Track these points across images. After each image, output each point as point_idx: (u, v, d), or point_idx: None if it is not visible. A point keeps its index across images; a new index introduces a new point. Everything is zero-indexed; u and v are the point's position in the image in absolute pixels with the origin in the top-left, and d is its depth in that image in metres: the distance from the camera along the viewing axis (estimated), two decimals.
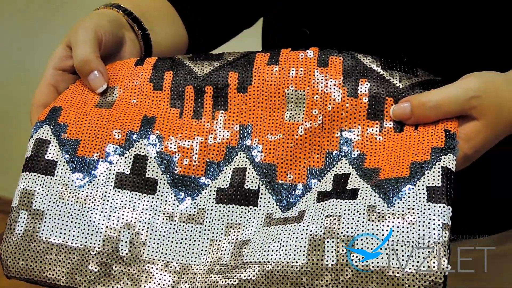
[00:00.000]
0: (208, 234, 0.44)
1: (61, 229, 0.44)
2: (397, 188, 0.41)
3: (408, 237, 0.39)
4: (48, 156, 0.46)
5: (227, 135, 0.48)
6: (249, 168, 0.46)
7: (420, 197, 0.40)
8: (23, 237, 0.44)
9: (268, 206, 0.45)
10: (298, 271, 0.40)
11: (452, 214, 0.40)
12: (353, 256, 0.39)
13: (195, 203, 0.46)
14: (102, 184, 0.46)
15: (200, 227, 0.45)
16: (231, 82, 0.49)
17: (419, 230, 0.39)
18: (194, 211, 0.45)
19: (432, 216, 0.39)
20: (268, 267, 0.41)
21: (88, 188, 0.46)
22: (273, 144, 0.46)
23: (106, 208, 0.45)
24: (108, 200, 0.45)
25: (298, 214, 0.43)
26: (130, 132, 0.47)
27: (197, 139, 0.47)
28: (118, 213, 0.45)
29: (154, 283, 0.43)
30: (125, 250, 0.44)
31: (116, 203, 0.45)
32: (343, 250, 0.40)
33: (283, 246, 0.41)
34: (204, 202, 0.45)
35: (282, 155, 0.46)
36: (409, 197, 0.40)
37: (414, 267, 0.38)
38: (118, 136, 0.47)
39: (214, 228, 0.44)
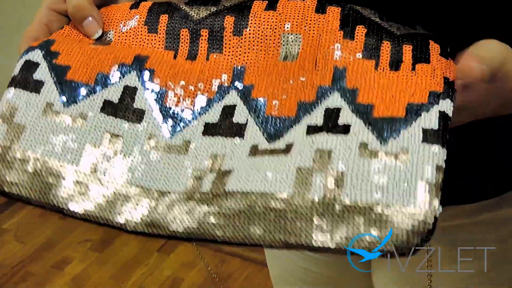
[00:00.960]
0: (190, 164, 0.43)
1: (40, 144, 0.43)
2: (391, 127, 0.40)
3: (399, 175, 0.38)
4: (36, 76, 0.45)
5: (221, 74, 0.47)
6: (240, 105, 0.45)
7: (415, 138, 0.39)
8: None
9: (254, 138, 0.44)
10: (283, 203, 0.39)
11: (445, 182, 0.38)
12: (341, 191, 0.38)
13: (180, 134, 0.45)
14: (88, 107, 0.45)
15: (184, 157, 0.44)
16: (227, 25, 0.49)
17: (411, 169, 0.38)
18: (179, 142, 0.44)
19: (426, 157, 0.38)
20: (251, 198, 0.39)
21: (73, 110, 0.44)
22: (266, 82, 0.46)
23: (89, 130, 0.44)
24: (92, 123, 0.44)
25: (286, 146, 0.42)
26: (122, 64, 0.47)
27: (190, 77, 0.47)
28: (101, 136, 0.44)
29: (130, 207, 0.42)
30: (103, 173, 0.43)
31: (100, 127, 0.44)
32: (331, 185, 0.38)
33: (268, 177, 0.40)
34: (190, 134, 0.45)
35: (274, 91, 0.46)
36: (403, 136, 0.40)
37: (404, 205, 0.37)
38: (110, 66, 0.47)
39: (197, 159, 0.44)
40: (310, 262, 0.75)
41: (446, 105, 0.41)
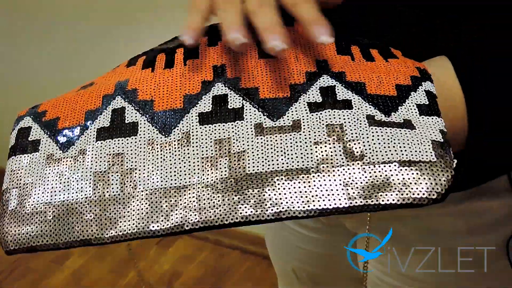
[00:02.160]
0: (198, 154, 0.44)
1: (51, 192, 0.45)
2: (388, 103, 0.43)
3: (412, 138, 0.40)
4: (31, 138, 0.48)
5: (202, 74, 0.48)
6: (231, 93, 0.46)
7: (412, 111, 0.42)
8: (16, 210, 0.45)
9: (255, 118, 0.44)
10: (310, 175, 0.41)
11: None
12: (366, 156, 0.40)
13: (177, 129, 0.45)
14: (84, 143, 0.46)
15: (188, 149, 0.44)
16: (202, 42, 0.50)
17: (421, 133, 0.41)
18: (179, 136, 0.45)
19: (429, 123, 0.41)
20: (282, 175, 0.41)
21: (72, 151, 0.46)
22: (252, 73, 0.47)
23: (91, 161, 0.45)
24: (92, 154, 0.45)
25: (293, 123, 0.43)
26: (105, 96, 0.48)
27: (171, 82, 0.48)
28: (105, 161, 0.45)
29: (158, 213, 0.42)
30: (118, 193, 0.43)
31: (101, 152, 0.45)
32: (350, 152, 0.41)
33: (288, 155, 0.41)
34: (187, 126, 0.45)
35: (263, 79, 0.46)
36: (402, 111, 0.42)
37: (424, 159, 0.40)
38: (95, 102, 0.48)
39: (203, 147, 0.44)
40: (299, 239, 0.79)
41: (429, 85, 0.44)
